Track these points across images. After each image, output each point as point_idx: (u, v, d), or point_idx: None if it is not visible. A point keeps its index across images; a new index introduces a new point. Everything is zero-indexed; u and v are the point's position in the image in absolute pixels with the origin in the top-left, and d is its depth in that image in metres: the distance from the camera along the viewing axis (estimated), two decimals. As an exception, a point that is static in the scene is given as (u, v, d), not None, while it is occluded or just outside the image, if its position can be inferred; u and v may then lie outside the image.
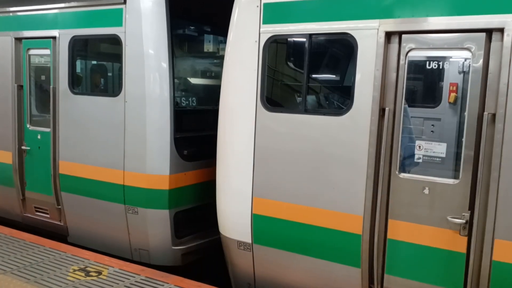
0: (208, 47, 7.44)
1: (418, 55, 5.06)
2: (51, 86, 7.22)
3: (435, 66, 5.34)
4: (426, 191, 4.56)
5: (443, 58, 5.38)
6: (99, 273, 5.76)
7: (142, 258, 6.57)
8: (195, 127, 6.83)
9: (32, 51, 7.68)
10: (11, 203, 8.05)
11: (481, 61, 4.27)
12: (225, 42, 5.70)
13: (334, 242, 5.00)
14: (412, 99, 5.56)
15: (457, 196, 4.42)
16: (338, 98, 5.68)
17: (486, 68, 4.25)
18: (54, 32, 7.12)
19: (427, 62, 5.33)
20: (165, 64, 6.23)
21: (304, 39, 5.10)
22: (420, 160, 4.73)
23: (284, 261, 5.34)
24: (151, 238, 6.44)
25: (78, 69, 7.34)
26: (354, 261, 4.91)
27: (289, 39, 5.46)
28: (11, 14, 7.84)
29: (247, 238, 5.54)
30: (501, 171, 4.17)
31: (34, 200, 7.77)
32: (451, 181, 4.49)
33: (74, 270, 5.81)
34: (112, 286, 5.43)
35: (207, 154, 6.43)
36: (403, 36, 4.58)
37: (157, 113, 6.24)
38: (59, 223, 7.47)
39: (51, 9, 7.19)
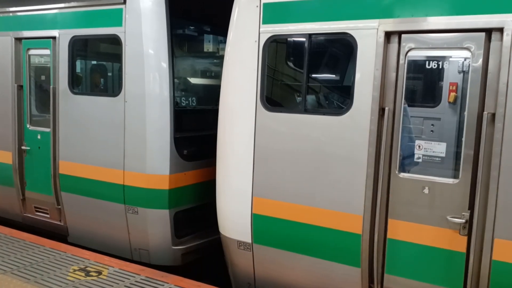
0: (208, 47, 7.44)
1: (418, 54, 5.05)
2: (51, 86, 7.22)
3: (434, 65, 5.33)
4: (426, 190, 4.56)
5: (443, 58, 5.37)
6: (99, 273, 5.76)
7: (142, 258, 6.57)
8: (195, 127, 6.83)
9: (32, 51, 7.68)
10: (11, 203, 8.05)
11: (480, 61, 4.27)
12: (225, 42, 5.70)
13: (334, 241, 5.00)
14: (411, 99, 5.54)
15: (456, 195, 4.42)
16: (338, 98, 5.67)
17: (486, 67, 4.25)
18: (54, 32, 7.12)
19: (427, 62, 5.32)
20: (165, 64, 6.23)
21: (303, 39, 5.10)
22: (420, 160, 4.73)
23: (284, 261, 5.34)
24: (151, 238, 6.44)
25: (78, 69, 7.34)
26: (354, 261, 4.91)
27: (288, 39, 5.46)
28: (11, 14, 7.84)
29: (247, 238, 5.54)
30: (501, 170, 4.18)
31: (34, 200, 7.77)
32: (450, 180, 4.50)
33: (74, 270, 5.81)
34: (112, 286, 5.43)
35: (207, 154, 6.42)
36: (403, 35, 4.58)
37: (157, 113, 6.24)
38: (59, 223, 7.47)
39: (51, 9, 7.18)
